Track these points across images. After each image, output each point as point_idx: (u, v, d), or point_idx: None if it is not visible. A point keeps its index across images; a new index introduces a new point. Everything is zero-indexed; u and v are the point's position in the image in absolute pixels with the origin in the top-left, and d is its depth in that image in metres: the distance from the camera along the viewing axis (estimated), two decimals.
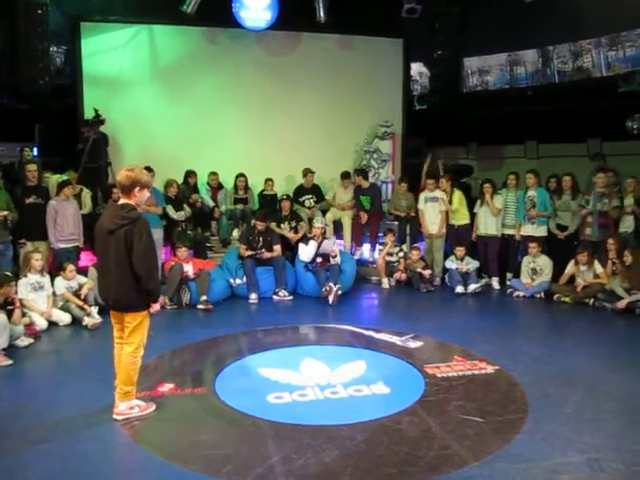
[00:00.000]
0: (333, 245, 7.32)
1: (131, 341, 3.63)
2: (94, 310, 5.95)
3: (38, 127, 8.82)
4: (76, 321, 5.83)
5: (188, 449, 3.31)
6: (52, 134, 8.73)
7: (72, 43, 8.68)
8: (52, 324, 5.74)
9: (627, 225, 7.04)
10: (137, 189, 3.53)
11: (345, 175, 8.69)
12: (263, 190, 8.73)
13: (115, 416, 3.62)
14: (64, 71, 8.75)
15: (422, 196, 8.07)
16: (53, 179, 7.34)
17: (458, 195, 7.86)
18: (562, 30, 8.86)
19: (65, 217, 6.60)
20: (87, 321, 5.73)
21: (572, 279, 6.94)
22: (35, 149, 8.75)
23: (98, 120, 8.06)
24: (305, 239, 7.47)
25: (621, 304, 6.26)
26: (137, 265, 3.46)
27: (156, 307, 3.68)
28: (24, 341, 5.09)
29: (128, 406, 3.66)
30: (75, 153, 8.17)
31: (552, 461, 3.08)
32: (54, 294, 5.95)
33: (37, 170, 6.74)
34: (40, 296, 5.81)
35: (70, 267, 6.13)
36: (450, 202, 7.81)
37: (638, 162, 8.56)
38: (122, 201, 3.57)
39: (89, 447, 3.27)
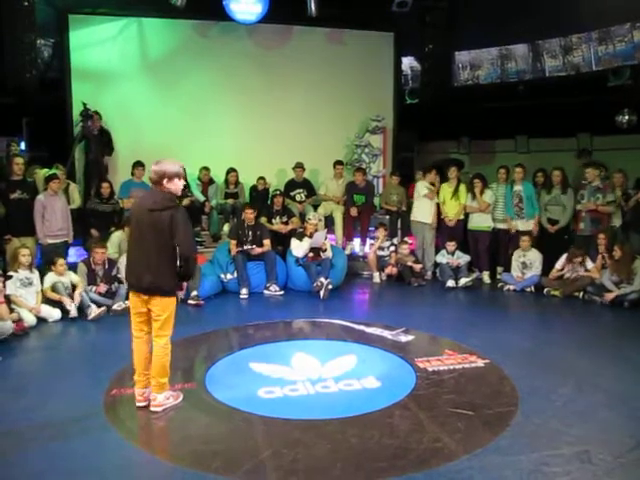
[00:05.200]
0: (324, 238, 7.32)
1: (163, 334, 3.65)
2: (73, 306, 5.86)
3: (26, 121, 8.72)
4: (65, 317, 5.80)
5: (178, 444, 3.30)
6: (40, 128, 8.63)
7: (60, 36, 8.58)
8: (41, 320, 5.69)
9: (615, 219, 7.10)
10: (165, 181, 3.60)
11: (338, 162, 8.73)
12: (255, 185, 8.69)
13: (154, 408, 3.65)
14: (52, 64, 8.65)
15: (422, 184, 8.07)
16: (41, 174, 7.27)
17: (464, 189, 7.84)
18: (552, 25, 8.88)
19: (53, 212, 6.54)
20: (90, 312, 5.83)
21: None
22: (23, 143, 8.66)
23: (87, 114, 8.01)
24: (297, 234, 7.45)
25: (609, 297, 6.31)
26: (185, 247, 3.55)
27: (184, 286, 3.80)
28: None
29: (165, 397, 3.71)
30: (64, 147, 8.10)
31: (542, 453, 3.09)
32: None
33: (24, 164, 6.66)
34: (29, 292, 5.75)
35: (61, 261, 6.10)
36: (456, 191, 7.79)
37: (627, 156, 8.62)
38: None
39: (78, 443, 3.25)
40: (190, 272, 3.74)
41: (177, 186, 3.65)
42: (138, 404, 3.68)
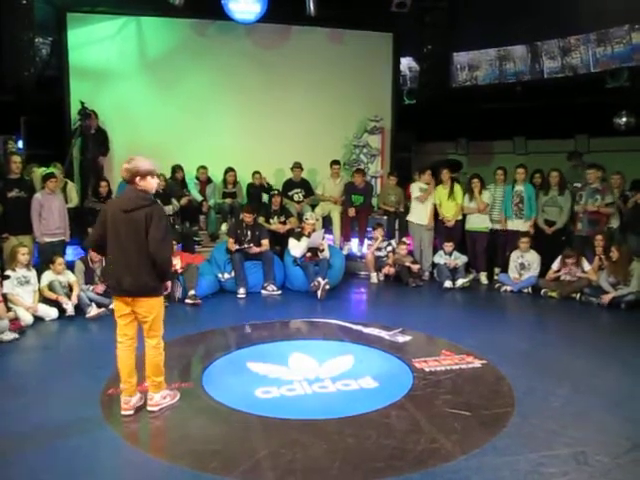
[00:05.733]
0: (321, 238, 7.32)
1: (153, 334, 3.62)
2: (70, 305, 5.86)
3: (24, 119, 8.70)
4: (62, 316, 5.79)
5: (175, 444, 3.30)
6: (38, 126, 8.61)
7: (58, 34, 8.56)
8: (38, 319, 5.68)
9: (613, 221, 7.12)
10: (138, 178, 3.53)
11: (334, 162, 8.71)
12: (252, 182, 8.69)
13: (150, 408, 3.63)
14: (50, 63, 8.62)
15: (416, 185, 8.08)
16: (38, 172, 7.25)
17: (459, 189, 7.86)
18: (551, 26, 8.90)
19: (51, 211, 6.53)
20: (90, 310, 5.87)
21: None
22: (20, 142, 8.64)
23: (85, 113, 8.00)
24: (295, 233, 7.45)
25: (606, 298, 6.32)
26: (153, 245, 3.43)
27: (168, 285, 3.85)
28: (8, 336, 5.04)
29: (162, 396, 3.70)
30: (62, 146, 8.07)
31: (538, 454, 3.10)
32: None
33: (21, 163, 6.65)
34: (26, 291, 5.75)
35: (60, 260, 6.10)
36: (451, 192, 7.80)
37: (625, 158, 8.64)
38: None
39: (76, 443, 3.25)
40: (164, 271, 3.58)
41: (151, 184, 3.58)
42: (123, 412, 3.59)
